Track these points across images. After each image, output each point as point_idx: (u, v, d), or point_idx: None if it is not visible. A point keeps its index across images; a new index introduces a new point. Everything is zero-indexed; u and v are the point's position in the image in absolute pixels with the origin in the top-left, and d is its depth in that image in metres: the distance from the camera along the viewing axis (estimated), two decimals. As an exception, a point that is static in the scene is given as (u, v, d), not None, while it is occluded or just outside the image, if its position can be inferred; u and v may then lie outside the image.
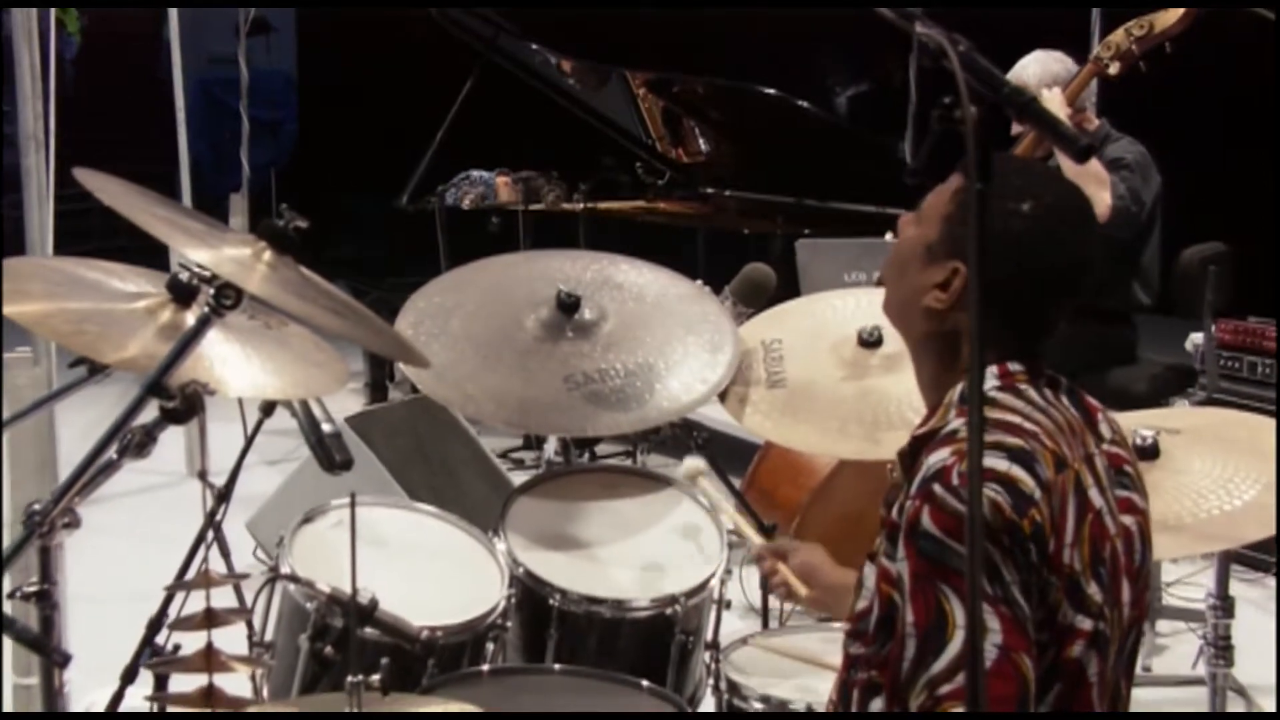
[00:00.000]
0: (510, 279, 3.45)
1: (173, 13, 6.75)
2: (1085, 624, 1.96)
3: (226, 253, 2.21)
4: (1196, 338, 5.28)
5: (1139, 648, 2.17)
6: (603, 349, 3.26)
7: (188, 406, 2.31)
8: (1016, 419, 1.98)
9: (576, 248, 6.21)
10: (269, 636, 3.04)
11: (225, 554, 3.71)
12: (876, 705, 2.02)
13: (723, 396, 3.29)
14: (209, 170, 10.90)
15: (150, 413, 2.32)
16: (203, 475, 2.72)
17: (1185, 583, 5.15)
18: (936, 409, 2.08)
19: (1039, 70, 5.03)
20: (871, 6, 1.77)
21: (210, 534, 3.40)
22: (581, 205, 6.92)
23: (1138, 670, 4.59)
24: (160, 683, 3.18)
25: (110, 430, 2.23)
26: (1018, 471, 1.90)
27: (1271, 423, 3.15)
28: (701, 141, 7.54)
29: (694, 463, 3.28)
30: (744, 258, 4.85)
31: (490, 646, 3.00)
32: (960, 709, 1.85)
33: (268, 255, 2.23)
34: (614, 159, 7.54)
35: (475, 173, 7.39)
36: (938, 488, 1.90)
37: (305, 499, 3.27)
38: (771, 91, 6.86)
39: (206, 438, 2.58)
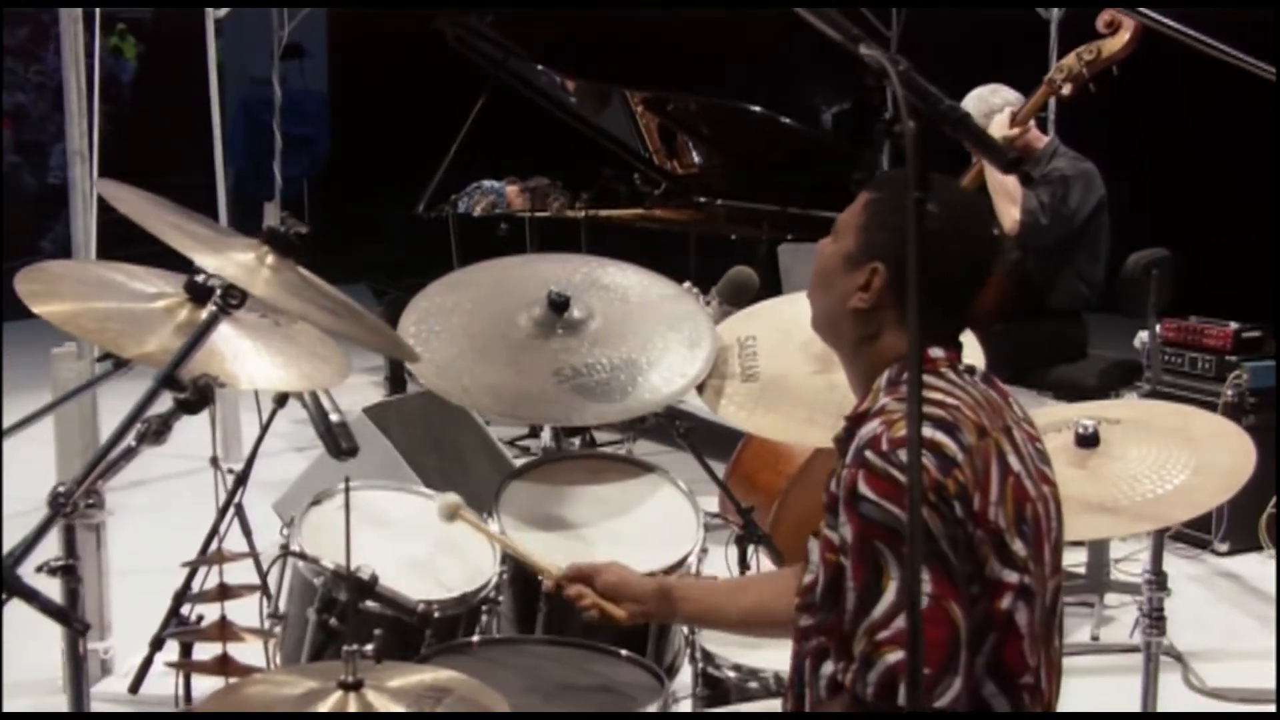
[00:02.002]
0: (506, 280, 3.42)
1: (210, 39, 6.71)
2: (1012, 577, 1.99)
3: (233, 257, 2.19)
4: (1144, 335, 5.26)
5: (1063, 610, 2.18)
6: (590, 345, 3.24)
7: (200, 397, 2.29)
8: (939, 395, 2.02)
9: (579, 252, 6.19)
10: (283, 609, 3.03)
11: (247, 533, 3.72)
12: (826, 669, 2.03)
13: (700, 389, 3.27)
14: (250, 181, 10.90)
15: (167, 403, 2.31)
16: (214, 461, 2.70)
17: (1132, 559, 5.14)
18: (866, 398, 2.12)
19: (977, 104, 5.03)
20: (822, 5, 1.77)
21: (233, 514, 3.40)
22: (584, 212, 6.88)
23: (1086, 639, 4.61)
24: (186, 650, 3.18)
25: (126, 419, 2.21)
26: (941, 437, 1.95)
27: (1200, 413, 3.15)
28: (694, 154, 7.51)
29: (449, 499, 2.90)
30: (731, 261, 4.83)
31: (484, 619, 2.99)
32: (898, 653, 1.88)
33: (271, 259, 2.21)
34: (614, 170, 7.51)
35: (486, 183, 7.38)
36: (870, 454, 1.93)
37: (327, 483, 3.25)
38: (757, 109, 6.83)
39: (217, 428, 2.55)
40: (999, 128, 4.84)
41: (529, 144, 7.77)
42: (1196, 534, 5.34)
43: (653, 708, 2.59)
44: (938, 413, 1.98)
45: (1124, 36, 4.62)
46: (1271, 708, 4.13)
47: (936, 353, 2.10)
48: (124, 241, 5.03)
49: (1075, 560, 4.99)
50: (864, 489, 1.92)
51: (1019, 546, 1.99)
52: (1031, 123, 5.07)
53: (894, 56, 1.70)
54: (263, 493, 5.16)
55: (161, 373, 2.19)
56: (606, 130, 7.44)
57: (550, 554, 3.04)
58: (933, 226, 2.03)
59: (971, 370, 2.13)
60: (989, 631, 1.98)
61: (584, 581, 2.57)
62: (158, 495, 5.82)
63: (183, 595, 3.08)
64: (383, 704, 2.13)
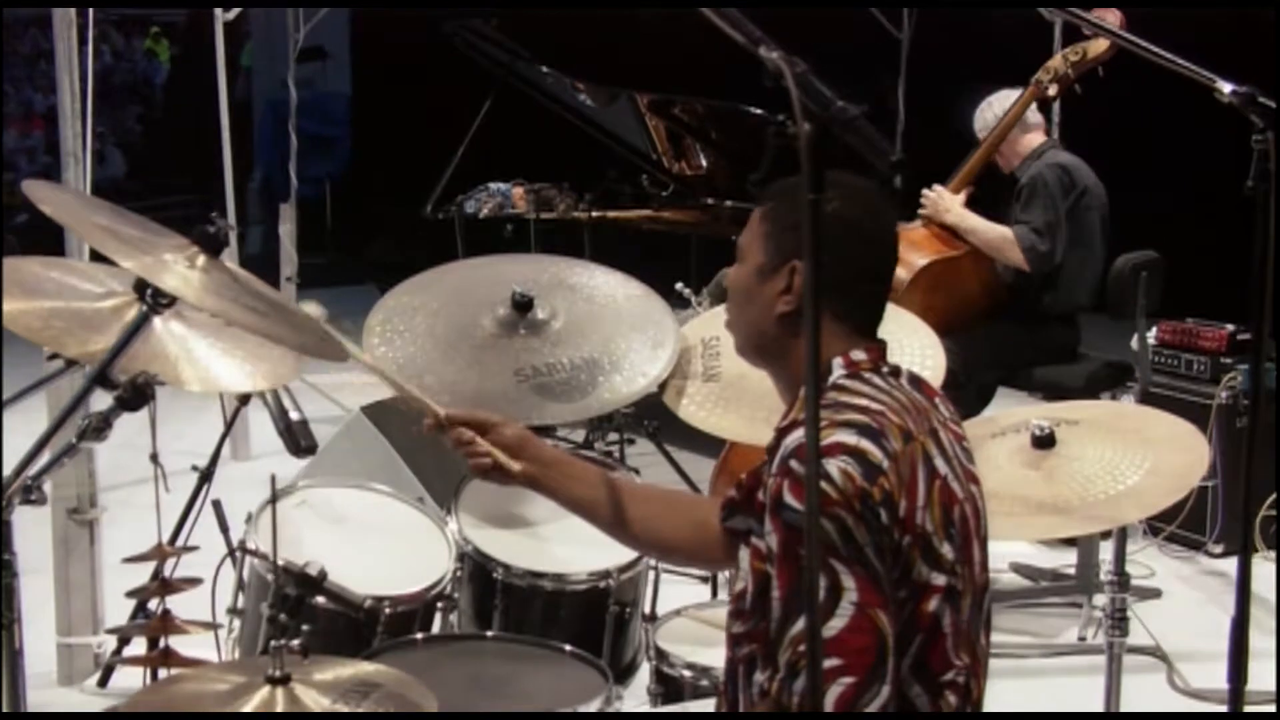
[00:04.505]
0: (473, 281, 3.42)
1: (218, 41, 6.74)
2: (939, 580, 1.97)
3: (161, 258, 2.20)
4: (1140, 336, 5.23)
5: (990, 606, 2.15)
6: (551, 345, 3.23)
7: (137, 395, 2.32)
8: (863, 400, 2.00)
9: (583, 254, 6.20)
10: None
11: (224, 528, 3.73)
12: (758, 677, 2.01)
13: (663, 388, 3.26)
14: (277, 180, 10.99)
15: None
16: (154, 458, 2.72)
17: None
18: (793, 407, 2.10)
19: (1003, 102, 5.03)
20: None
21: (199, 510, 3.42)
22: (588, 214, 6.88)
23: (1073, 640, 4.56)
24: (153, 644, 3.20)
25: (59, 417, 2.24)
26: (866, 444, 1.92)
27: (1158, 413, 3.12)
28: (701, 156, 7.49)
29: (310, 307, 2.72)
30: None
31: (440, 616, 3.00)
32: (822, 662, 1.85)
33: (201, 260, 2.22)
34: (618, 171, 7.50)
35: (494, 185, 7.39)
36: (794, 463, 1.91)
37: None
38: (759, 111, 6.81)
39: (156, 424, 2.57)
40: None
41: (539, 146, 7.76)
42: (1190, 535, 5.29)
43: (593, 706, 2.59)
44: (862, 419, 1.96)
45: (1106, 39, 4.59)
46: (1255, 709, 4.08)
47: (859, 355, 2.07)
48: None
49: (1065, 561, 4.96)
50: (788, 498, 1.90)
51: (946, 549, 1.98)
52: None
53: (791, 59, 1.70)
54: (262, 490, 5.18)
55: (93, 371, 2.21)
56: (615, 132, 7.43)
57: (507, 552, 3.06)
58: (844, 216, 2.05)
59: (897, 372, 2.10)
60: (915, 634, 1.97)
61: (477, 430, 2.34)
62: (149, 495, 5.84)
63: (140, 591, 3.10)
64: (310, 699, 2.15)
